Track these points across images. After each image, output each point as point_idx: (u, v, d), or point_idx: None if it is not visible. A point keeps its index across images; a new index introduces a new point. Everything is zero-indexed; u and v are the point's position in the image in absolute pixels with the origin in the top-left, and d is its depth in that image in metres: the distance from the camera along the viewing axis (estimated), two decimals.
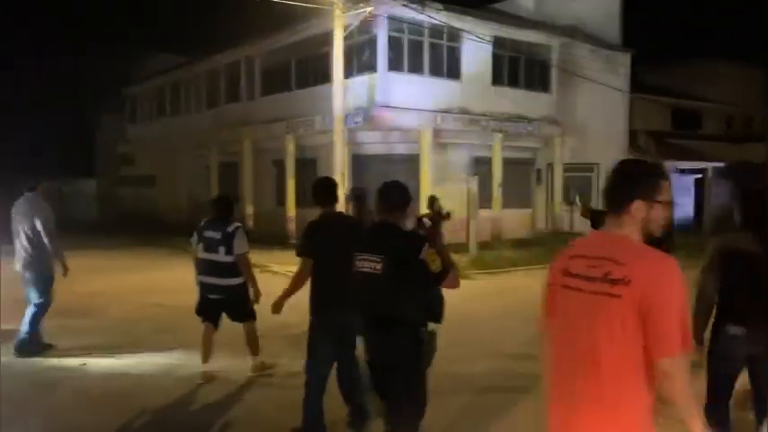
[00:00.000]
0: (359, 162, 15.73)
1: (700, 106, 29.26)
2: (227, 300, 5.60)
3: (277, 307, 4.57)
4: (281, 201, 19.55)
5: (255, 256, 16.34)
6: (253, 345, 5.82)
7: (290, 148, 18.31)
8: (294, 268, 4.59)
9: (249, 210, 20.34)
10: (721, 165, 24.26)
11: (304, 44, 18.11)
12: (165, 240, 17.72)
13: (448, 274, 3.25)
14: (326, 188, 4.49)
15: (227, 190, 21.86)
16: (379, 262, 3.26)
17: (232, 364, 6.00)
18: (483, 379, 5.78)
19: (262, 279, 5.79)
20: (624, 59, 21.39)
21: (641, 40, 22.64)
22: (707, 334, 3.59)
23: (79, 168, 29.42)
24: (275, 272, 12.39)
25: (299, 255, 4.47)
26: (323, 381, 4.36)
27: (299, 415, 4.36)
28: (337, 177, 12.70)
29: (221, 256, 5.47)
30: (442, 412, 4.63)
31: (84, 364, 6.22)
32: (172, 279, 12.28)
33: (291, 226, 18.20)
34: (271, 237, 18.55)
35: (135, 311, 8.94)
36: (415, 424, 3.43)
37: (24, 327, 6.36)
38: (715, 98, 29.50)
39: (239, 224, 5.62)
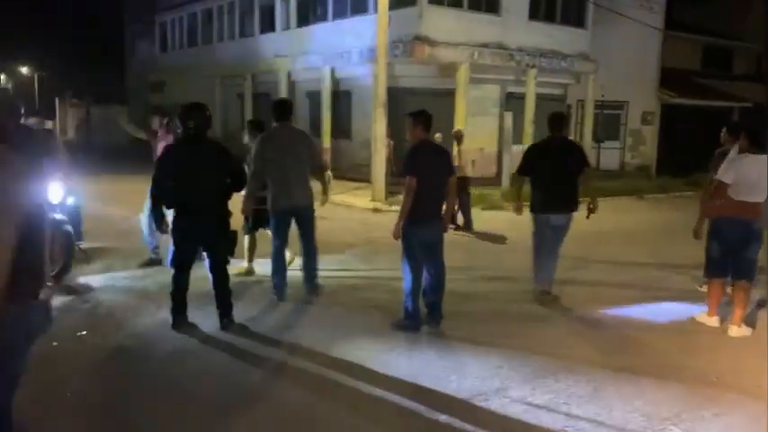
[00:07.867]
0: (393, 95, 16.08)
1: (731, 45, 28.91)
2: None
3: (399, 232, 5.12)
4: (314, 131, 19.97)
5: None
6: None
7: (327, 80, 18.62)
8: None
9: None
10: (749, 105, 24.32)
11: None
12: None
13: None
14: (430, 120, 5.26)
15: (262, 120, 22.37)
16: None
17: None
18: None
19: None
20: None
21: None
22: None
23: (111, 95, 29.80)
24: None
25: (406, 174, 5.04)
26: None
27: None
28: (377, 110, 13.24)
29: None
30: None
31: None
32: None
33: (327, 156, 18.74)
34: None
35: None
36: None
37: None
38: (747, 35, 29.07)
39: None
